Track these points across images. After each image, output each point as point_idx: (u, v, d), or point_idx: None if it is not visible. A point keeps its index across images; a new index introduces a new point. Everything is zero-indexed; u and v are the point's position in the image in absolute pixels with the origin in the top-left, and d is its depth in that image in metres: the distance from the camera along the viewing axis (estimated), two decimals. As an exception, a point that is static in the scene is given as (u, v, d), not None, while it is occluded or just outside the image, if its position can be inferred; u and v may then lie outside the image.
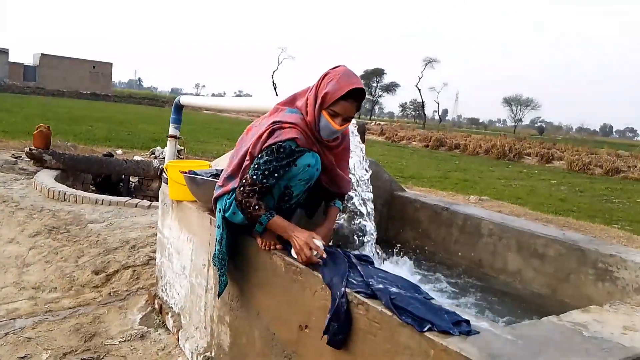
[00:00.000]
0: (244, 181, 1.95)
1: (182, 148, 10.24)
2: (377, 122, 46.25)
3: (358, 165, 2.76)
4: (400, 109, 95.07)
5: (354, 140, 2.77)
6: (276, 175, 1.90)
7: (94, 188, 7.62)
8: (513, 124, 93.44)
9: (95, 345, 2.83)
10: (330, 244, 2.15)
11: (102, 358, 2.71)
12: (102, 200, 5.66)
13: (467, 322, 1.39)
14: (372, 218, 2.74)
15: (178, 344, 2.84)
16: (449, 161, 17.96)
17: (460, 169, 15.26)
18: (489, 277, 2.79)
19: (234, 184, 2.06)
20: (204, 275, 2.59)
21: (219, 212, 2.12)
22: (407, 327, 1.40)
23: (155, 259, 3.63)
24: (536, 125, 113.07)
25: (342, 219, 2.68)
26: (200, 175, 2.56)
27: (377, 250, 2.76)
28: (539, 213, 8.19)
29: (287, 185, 1.98)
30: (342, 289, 1.63)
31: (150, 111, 33.10)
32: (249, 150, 1.99)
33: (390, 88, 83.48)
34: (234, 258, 2.28)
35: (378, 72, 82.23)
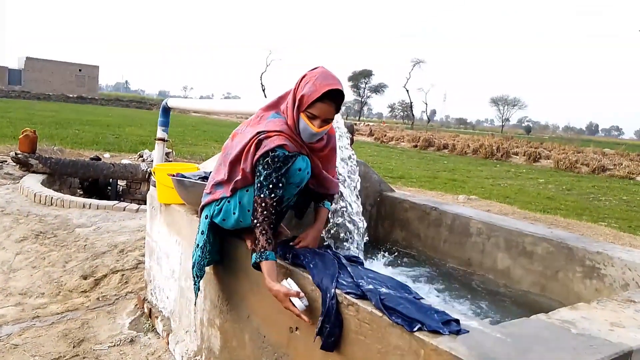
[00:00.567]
0: (255, 205, 1.91)
1: (171, 151, 10.20)
2: (366, 123, 46.37)
3: (345, 165, 2.76)
4: (389, 109, 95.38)
5: (344, 143, 2.77)
6: (280, 185, 1.88)
7: (81, 192, 7.54)
8: (500, 123, 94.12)
9: (84, 351, 2.80)
10: (322, 244, 2.15)
11: (91, 364, 2.69)
12: (90, 204, 5.60)
13: (457, 321, 1.40)
14: (361, 218, 2.74)
15: (168, 348, 2.82)
16: (437, 161, 18.04)
17: (448, 168, 15.34)
18: (478, 276, 2.81)
19: (223, 192, 2.04)
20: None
21: (206, 219, 2.11)
22: (397, 328, 1.41)
23: (144, 263, 3.61)
24: (523, 124, 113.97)
25: (332, 221, 2.68)
26: (188, 178, 2.55)
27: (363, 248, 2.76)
28: (527, 212, 8.27)
29: None
30: (332, 290, 1.63)
31: (137, 114, 32.91)
32: (241, 167, 1.96)
33: (379, 89, 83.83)
34: (224, 261, 2.27)
35: (366, 74, 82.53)
